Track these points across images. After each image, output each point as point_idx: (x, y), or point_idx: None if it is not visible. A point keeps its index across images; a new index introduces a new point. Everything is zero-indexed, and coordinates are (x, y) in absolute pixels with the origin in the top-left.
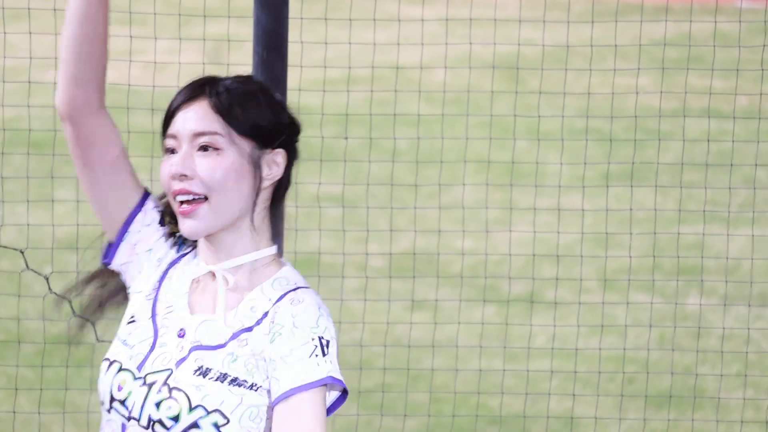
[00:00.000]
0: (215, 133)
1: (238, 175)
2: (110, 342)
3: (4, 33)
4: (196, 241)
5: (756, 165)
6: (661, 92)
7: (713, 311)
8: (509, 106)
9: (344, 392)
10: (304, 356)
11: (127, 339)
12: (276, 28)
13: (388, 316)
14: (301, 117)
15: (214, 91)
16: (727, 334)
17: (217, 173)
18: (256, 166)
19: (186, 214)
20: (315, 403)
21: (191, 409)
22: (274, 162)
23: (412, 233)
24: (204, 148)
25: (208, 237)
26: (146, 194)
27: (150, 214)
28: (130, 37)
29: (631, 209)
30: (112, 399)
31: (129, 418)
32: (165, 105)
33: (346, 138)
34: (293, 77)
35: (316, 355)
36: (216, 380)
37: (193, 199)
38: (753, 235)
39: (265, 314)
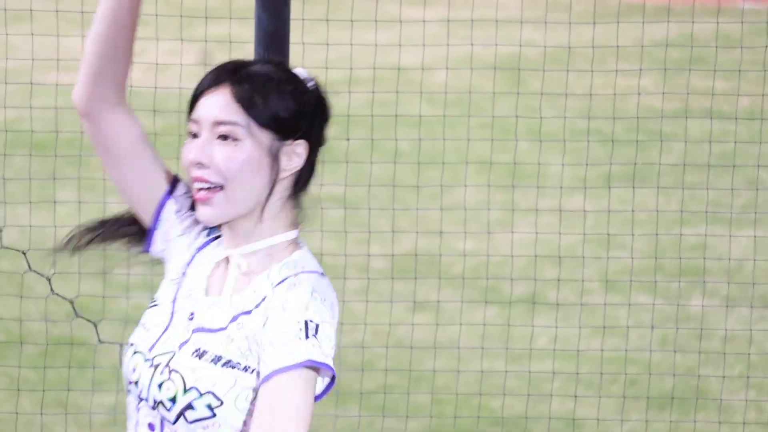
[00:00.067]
0: (235, 124)
1: (255, 167)
2: (112, 344)
3: (6, 34)
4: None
5: (758, 166)
6: (663, 93)
7: (715, 312)
8: (511, 107)
9: (333, 379)
10: (288, 339)
11: (147, 323)
12: (277, 29)
13: (389, 318)
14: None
15: (238, 79)
16: (729, 335)
17: (233, 164)
18: (275, 158)
19: (202, 201)
20: (292, 386)
21: (185, 390)
22: (295, 153)
23: (414, 234)
24: (223, 137)
25: (227, 223)
26: (176, 181)
27: (180, 200)
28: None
29: (633, 210)
30: (129, 381)
31: (140, 399)
32: (167, 106)
33: (348, 139)
34: None
35: (300, 338)
36: (210, 362)
37: (210, 187)
38: (755, 237)
39: (264, 298)
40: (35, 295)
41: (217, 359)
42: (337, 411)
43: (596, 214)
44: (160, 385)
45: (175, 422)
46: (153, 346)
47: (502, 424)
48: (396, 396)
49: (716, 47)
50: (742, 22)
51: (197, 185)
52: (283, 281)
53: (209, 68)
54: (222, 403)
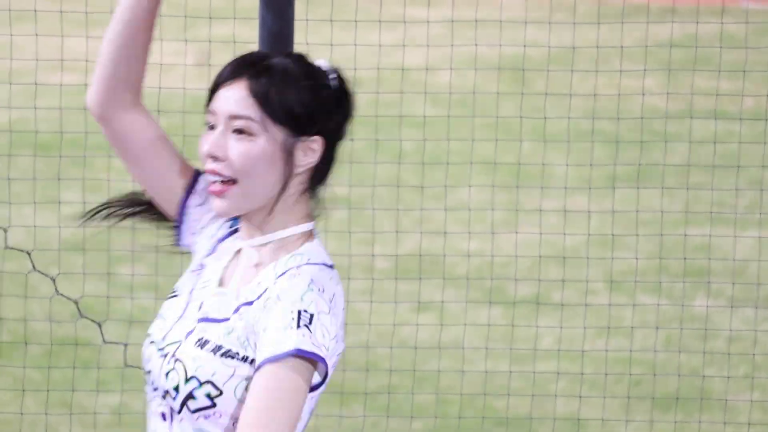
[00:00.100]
0: (249, 119)
1: (269, 163)
2: (116, 344)
3: (11, 35)
4: None
5: (763, 166)
6: (668, 94)
7: (720, 313)
8: (515, 107)
9: (326, 374)
10: (279, 328)
11: (164, 313)
12: (281, 29)
13: (394, 318)
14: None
15: (256, 73)
16: (734, 335)
17: (247, 159)
18: (289, 154)
19: (216, 194)
20: (280, 376)
21: (187, 379)
22: (310, 149)
23: (418, 235)
24: (239, 131)
25: (243, 214)
26: (197, 175)
27: (201, 194)
28: None
29: (637, 211)
30: (145, 371)
31: (154, 389)
32: (171, 107)
33: (352, 139)
34: None
35: (291, 328)
36: (210, 352)
37: (223, 180)
38: (760, 237)
39: (266, 289)
40: (40, 296)
41: (217, 349)
42: (342, 411)
43: (600, 215)
44: (167, 374)
45: (179, 411)
46: (165, 335)
47: (507, 424)
48: (400, 396)
49: (720, 47)
50: (746, 23)
51: (211, 178)
52: (285, 273)
53: (235, 57)
54: (221, 393)
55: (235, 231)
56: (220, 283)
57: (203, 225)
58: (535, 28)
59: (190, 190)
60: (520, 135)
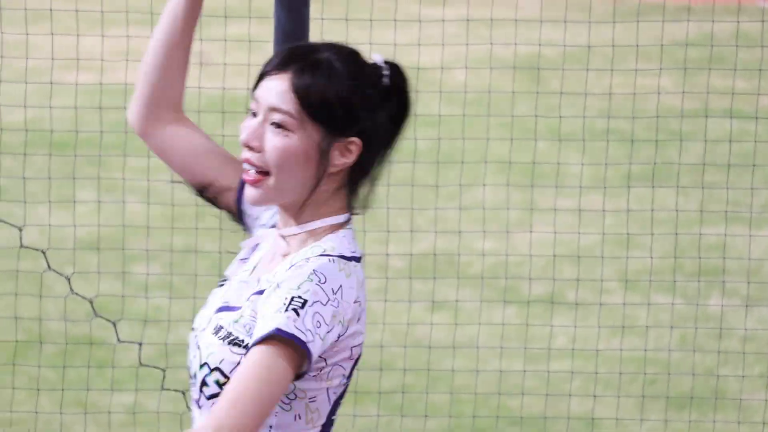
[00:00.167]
0: (288, 114)
1: (303, 160)
2: (131, 343)
3: (27, 34)
4: None
5: None
6: (683, 93)
7: (735, 312)
8: (530, 106)
9: (309, 355)
10: (270, 312)
11: (209, 301)
12: (297, 28)
13: (408, 317)
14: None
15: (301, 67)
16: (749, 335)
17: (281, 154)
18: (324, 154)
19: (249, 183)
20: (254, 356)
21: (201, 366)
22: (347, 150)
23: (433, 234)
24: (276, 124)
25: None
26: None
27: None
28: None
29: (652, 210)
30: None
31: (191, 376)
32: (187, 106)
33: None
34: None
35: (280, 312)
36: (221, 339)
37: (258, 170)
38: None
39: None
40: (55, 295)
41: (227, 336)
42: (356, 411)
43: (615, 214)
44: (191, 360)
45: (199, 398)
46: (200, 323)
47: (521, 423)
48: (414, 396)
49: (736, 46)
50: (762, 21)
51: (246, 166)
52: (295, 264)
53: (284, 47)
54: (228, 380)
55: None
56: (253, 271)
57: (256, 216)
58: (551, 27)
59: (242, 188)
60: (535, 134)
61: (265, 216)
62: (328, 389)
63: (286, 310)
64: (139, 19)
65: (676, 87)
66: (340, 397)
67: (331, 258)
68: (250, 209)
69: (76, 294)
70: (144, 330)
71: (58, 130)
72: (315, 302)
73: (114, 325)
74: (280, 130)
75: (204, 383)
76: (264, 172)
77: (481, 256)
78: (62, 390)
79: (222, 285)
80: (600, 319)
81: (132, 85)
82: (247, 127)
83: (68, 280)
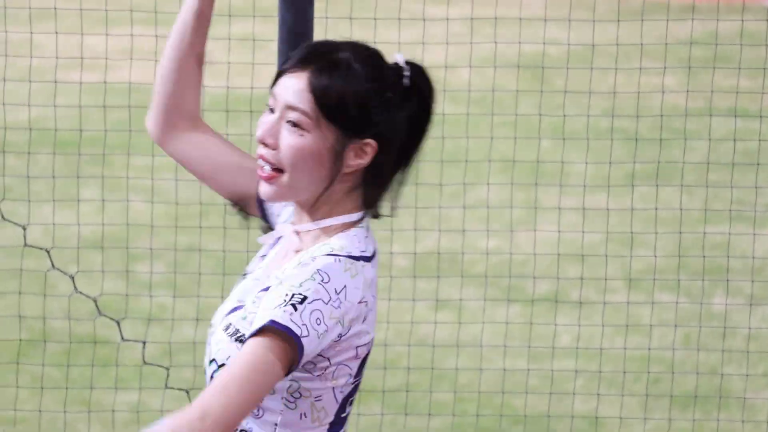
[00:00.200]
0: (304, 113)
1: (317, 160)
2: (135, 342)
3: (31, 32)
4: None
5: None
6: (687, 91)
7: (739, 311)
8: (534, 105)
9: (301, 350)
10: (268, 308)
11: (231, 295)
12: (301, 27)
13: (412, 316)
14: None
15: (320, 67)
16: (753, 334)
17: (295, 153)
18: (338, 156)
19: (263, 180)
20: (248, 347)
21: (210, 362)
22: (362, 151)
23: (437, 233)
24: (292, 123)
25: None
26: None
27: None
28: (156, 36)
29: (656, 209)
30: None
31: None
32: None
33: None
34: None
35: (278, 306)
36: (229, 335)
37: (272, 167)
38: None
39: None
40: (59, 294)
41: (234, 333)
42: (360, 409)
43: (619, 213)
44: (205, 357)
45: None
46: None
47: (525, 422)
48: (418, 394)
49: (741, 45)
50: (767, 20)
51: (260, 162)
52: (302, 261)
53: (306, 44)
54: None
55: None
56: (266, 268)
57: (277, 213)
58: (555, 25)
59: None
60: (539, 133)
61: (285, 213)
62: (333, 388)
63: (285, 305)
64: (143, 18)
65: (681, 86)
66: (350, 395)
67: (337, 258)
68: (270, 207)
69: (80, 293)
70: (148, 329)
71: (62, 129)
72: (315, 300)
73: (118, 323)
74: (295, 128)
75: (212, 378)
76: (278, 169)
77: (485, 254)
78: (66, 389)
79: (243, 279)
80: (604, 318)
81: (136, 84)
82: (264, 123)
83: (72, 278)
